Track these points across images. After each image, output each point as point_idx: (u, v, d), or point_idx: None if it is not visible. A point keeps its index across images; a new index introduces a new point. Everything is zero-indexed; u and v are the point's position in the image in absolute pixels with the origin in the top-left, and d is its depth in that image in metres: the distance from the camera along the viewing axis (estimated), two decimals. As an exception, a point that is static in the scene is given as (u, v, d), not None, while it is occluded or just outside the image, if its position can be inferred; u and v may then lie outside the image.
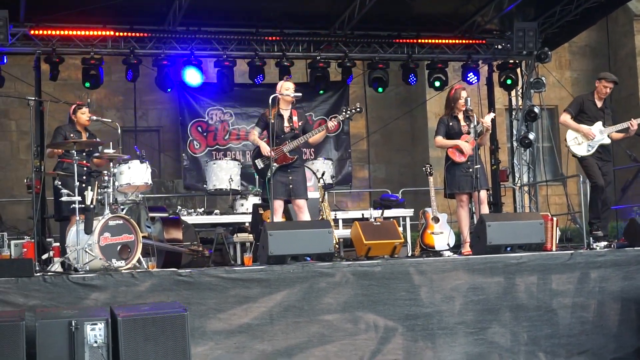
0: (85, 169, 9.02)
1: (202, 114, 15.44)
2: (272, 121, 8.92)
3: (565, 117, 10.02)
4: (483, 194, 9.39)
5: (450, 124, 9.55)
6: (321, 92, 14.68)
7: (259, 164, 9.03)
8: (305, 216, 9.05)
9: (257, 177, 12.59)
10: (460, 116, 9.54)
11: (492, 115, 9.75)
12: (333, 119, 9.08)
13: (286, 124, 9.07)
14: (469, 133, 9.37)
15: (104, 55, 13.09)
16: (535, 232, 8.55)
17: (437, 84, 14.60)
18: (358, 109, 9.21)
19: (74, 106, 9.56)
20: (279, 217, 8.93)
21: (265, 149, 8.91)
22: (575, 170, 12.02)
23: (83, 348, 6.10)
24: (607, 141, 9.89)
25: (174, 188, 15.97)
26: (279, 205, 8.96)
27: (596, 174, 9.80)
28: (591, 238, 9.53)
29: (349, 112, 9.16)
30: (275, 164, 8.88)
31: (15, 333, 6.00)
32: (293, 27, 13.62)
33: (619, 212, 13.37)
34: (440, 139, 9.59)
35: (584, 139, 9.87)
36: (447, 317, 7.69)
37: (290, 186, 8.96)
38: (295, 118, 9.12)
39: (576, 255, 8.17)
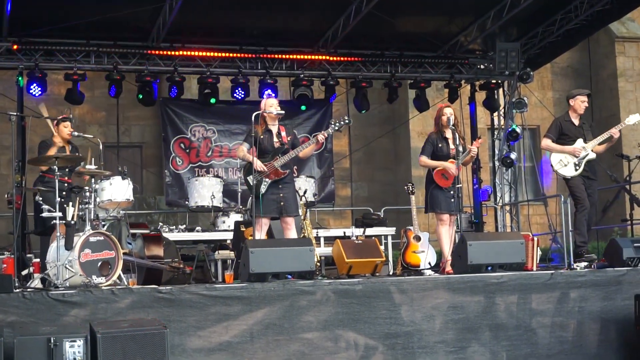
0: (66, 184, 9.02)
1: (185, 131, 15.44)
2: (261, 136, 8.96)
3: (547, 142, 9.97)
4: (454, 218, 9.45)
5: (440, 145, 9.55)
6: (303, 107, 14.68)
7: (251, 180, 8.93)
8: (293, 234, 9.00)
9: (240, 193, 12.60)
10: (449, 135, 9.55)
11: (480, 142, 9.81)
12: (322, 132, 9.08)
13: (275, 139, 9.05)
14: (454, 158, 9.38)
15: (87, 70, 13.08)
16: (516, 251, 8.57)
17: (419, 103, 14.70)
18: (347, 121, 9.20)
19: (56, 120, 9.55)
20: (263, 234, 8.90)
21: (259, 164, 8.88)
22: (557, 190, 12.07)
23: (62, 365, 6.07)
24: (593, 156, 9.83)
25: (155, 204, 15.96)
26: (265, 222, 8.95)
27: (582, 196, 9.73)
28: (580, 262, 9.44)
29: (337, 123, 9.13)
30: (267, 180, 8.89)
31: (-7, 349, 5.97)
32: (277, 45, 13.65)
33: (599, 233, 13.43)
34: (425, 159, 9.59)
35: (569, 159, 9.85)
36: (427, 335, 7.69)
37: (282, 203, 8.91)
38: (283, 133, 9.12)
39: (556, 275, 8.20)
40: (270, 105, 9.08)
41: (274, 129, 9.11)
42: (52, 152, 9.13)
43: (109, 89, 13.36)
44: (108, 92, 13.46)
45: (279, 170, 8.94)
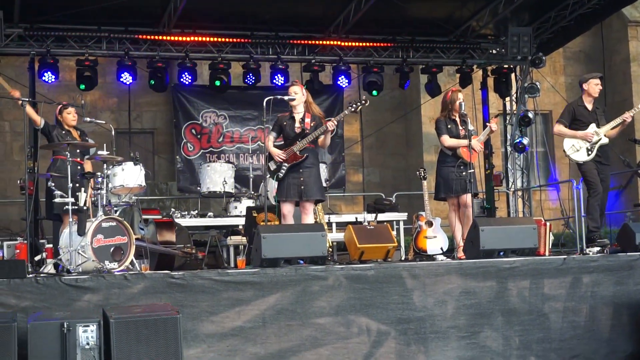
0: (79, 167, 9.06)
1: (197, 117, 15.46)
2: (285, 123, 9.03)
3: (559, 127, 9.94)
4: (470, 198, 9.42)
5: (449, 126, 9.53)
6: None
7: (272, 165, 9.02)
8: (310, 220, 8.98)
9: (251, 179, 12.62)
10: (457, 119, 9.55)
11: (497, 120, 9.80)
12: (333, 119, 9.07)
13: (297, 124, 9.06)
14: (465, 137, 9.37)
15: (98, 56, 13.10)
16: (528, 236, 8.54)
17: (432, 89, 14.67)
18: (364, 102, 9.18)
19: (59, 107, 9.55)
20: (289, 219, 8.92)
21: (275, 153, 8.94)
22: (569, 175, 12.03)
23: (75, 350, 6.09)
24: (605, 140, 9.78)
25: (167, 190, 15.98)
26: (290, 208, 8.95)
27: (595, 181, 9.69)
28: (592, 247, 9.41)
29: (354, 105, 9.10)
30: (286, 164, 8.93)
31: (7, 334, 6.00)
32: (288, 30, 13.63)
33: (612, 217, 13.38)
34: (447, 138, 9.49)
35: (581, 144, 9.81)
36: (439, 321, 7.68)
37: (302, 187, 8.90)
38: (307, 120, 9.10)
39: (569, 260, 8.17)
40: (291, 92, 9.10)
41: (298, 115, 9.11)
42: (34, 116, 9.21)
43: (117, 76, 13.36)
44: (117, 79, 13.45)
45: (297, 155, 8.95)
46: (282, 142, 9.13)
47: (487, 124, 9.57)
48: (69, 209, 8.01)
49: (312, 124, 9.08)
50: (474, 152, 9.36)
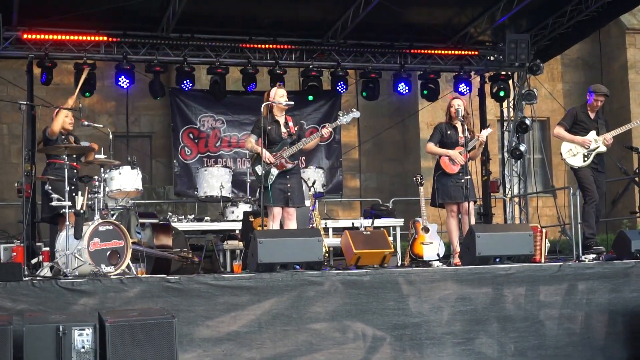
0: (75, 170, 9.06)
1: (194, 121, 15.44)
2: (269, 127, 8.90)
3: (560, 130, 10.00)
4: (471, 205, 9.42)
5: (449, 132, 9.55)
6: (310, 97, 14.61)
7: (259, 170, 8.92)
8: (293, 225, 8.97)
9: (248, 184, 12.62)
10: (459, 126, 9.55)
11: (489, 130, 9.76)
12: (327, 126, 9.06)
13: (283, 129, 9.02)
14: (464, 145, 9.39)
15: (96, 60, 13.08)
16: (524, 243, 8.56)
17: (428, 94, 14.68)
18: (355, 114, 9.14)
19: (56, 110, 9.53)
20: (277, 224, 8.91)
21: (267, 155, 8.85)
22: (566, 182, 12.04)
23: (70, 353, 6.09)
24: (603, 149, 9.85)
25: (164, 194, 15.99)
26: (277, 212, 8.93)
27: (591, 188, 9.74)
28: (588, 254, 9.44)
29: (346, 116, 9.11)
30: (275, 170, 8.88)
31: (3, 337, 5.98)
32: (286, 35, 13.64)
33: (608, 225, 13.41)
34: (431, 146, 9.58)
35: (578, 150, 9.85)
36: (435, 327, 7.69)
37: (288, 193, 8.89)
38: (291, 124, 9.09)
39: (565, 267, 8.19)
40: (281, 95, 9.03)
41: (282, 119, 9.08)
42: (57, 126, 9.17)
43: (115, 80, 13.35)
44: (115, 83, 13.44)
45: (287, 161, 8.94)
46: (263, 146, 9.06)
47: (477, 134, 9.56)
48: (65, 213, 8.01)
49: (295, 129, 9.07)
50: (456, 165, 9.40)
